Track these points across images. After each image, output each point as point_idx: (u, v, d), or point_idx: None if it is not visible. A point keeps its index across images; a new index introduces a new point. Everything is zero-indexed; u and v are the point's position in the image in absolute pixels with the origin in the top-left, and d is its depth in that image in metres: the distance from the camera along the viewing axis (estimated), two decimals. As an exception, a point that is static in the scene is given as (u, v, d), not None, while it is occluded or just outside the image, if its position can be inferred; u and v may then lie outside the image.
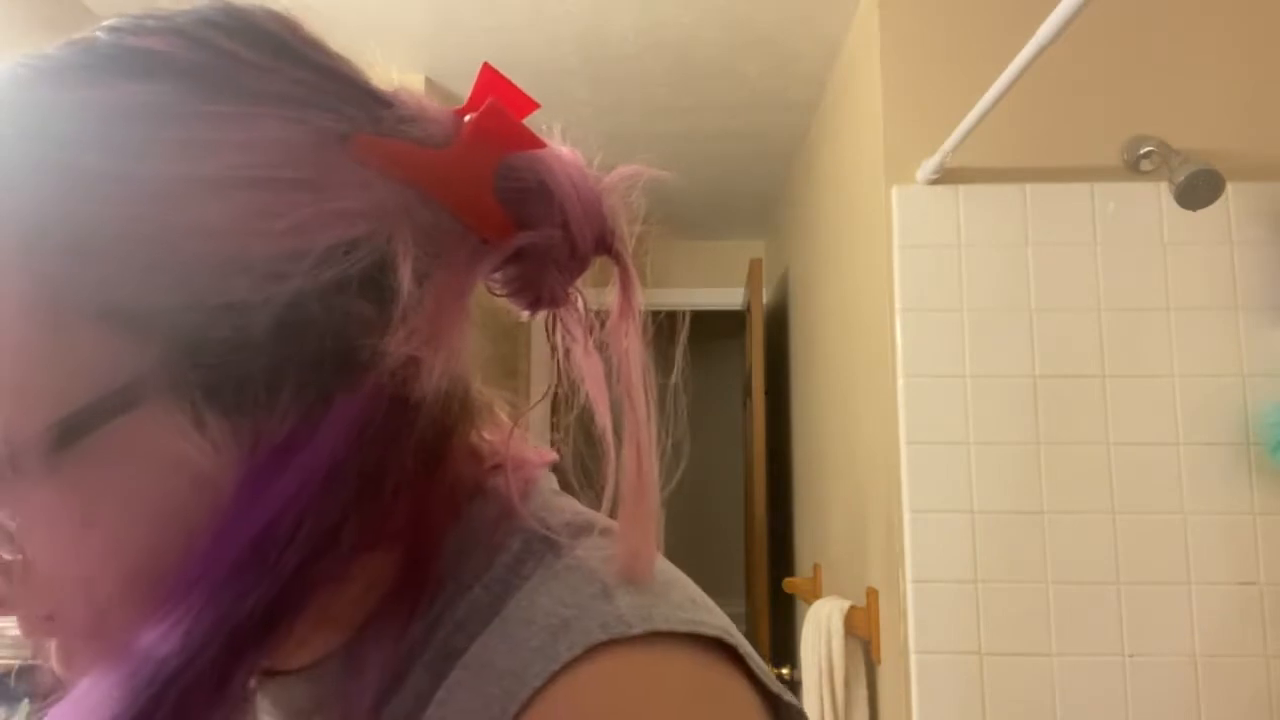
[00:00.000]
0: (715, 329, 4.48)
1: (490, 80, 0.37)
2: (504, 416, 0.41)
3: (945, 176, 1.49)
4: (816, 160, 2.25)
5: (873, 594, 1.61)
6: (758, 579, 2.50)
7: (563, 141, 0.38)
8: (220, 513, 0.30)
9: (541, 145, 0.36)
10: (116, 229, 0.29)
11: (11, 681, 1.32)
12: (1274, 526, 1.39)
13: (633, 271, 0.39)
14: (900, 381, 1.46)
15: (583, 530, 0.36)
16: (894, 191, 1.52)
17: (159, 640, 0.28)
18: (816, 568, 2.20)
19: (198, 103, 0.30)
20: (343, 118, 0.33)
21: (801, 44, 1.92)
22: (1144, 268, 1.46)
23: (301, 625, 0.30)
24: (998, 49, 1.50)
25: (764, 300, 2.74)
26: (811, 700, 1.69)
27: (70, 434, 0.29)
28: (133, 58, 0.31)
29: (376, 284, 0.31)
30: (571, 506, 0.38)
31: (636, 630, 0.30)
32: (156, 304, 0.29)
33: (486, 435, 0.40)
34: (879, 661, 1.59)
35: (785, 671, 2.36)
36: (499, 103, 0.35)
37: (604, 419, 0.37)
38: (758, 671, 0.32)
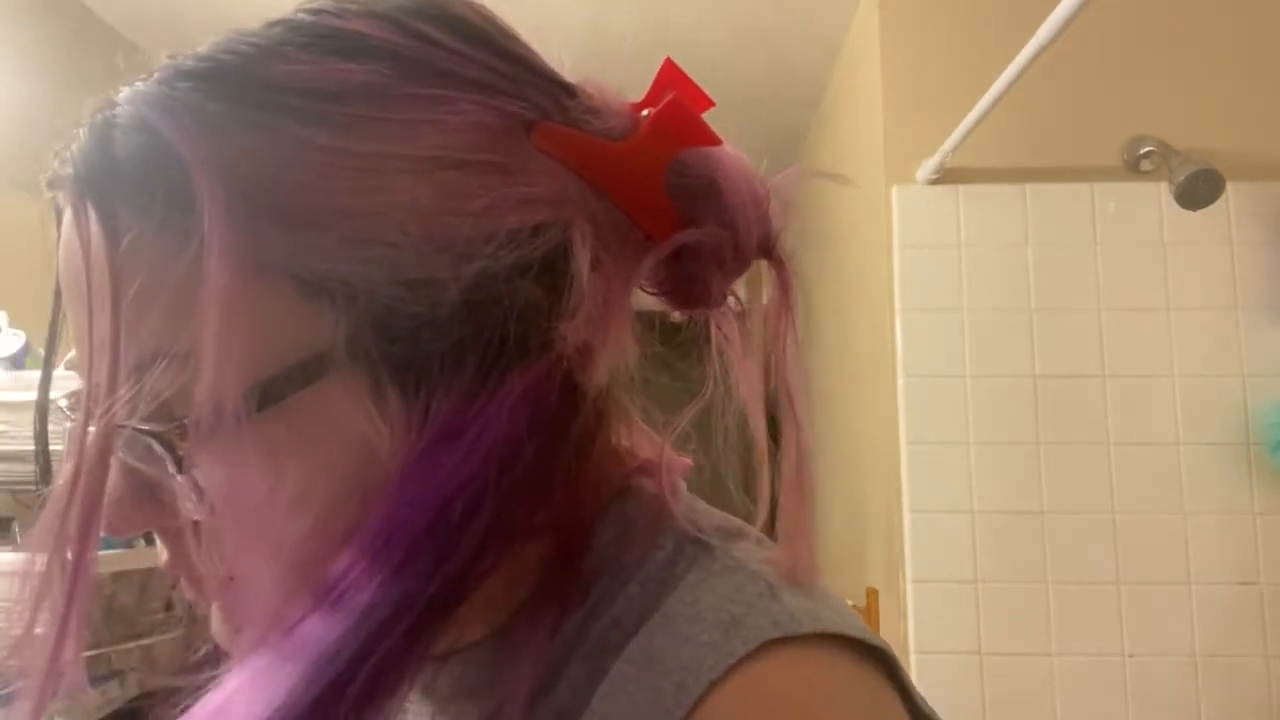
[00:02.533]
0: (715, 329, 4.49)
1: (670, 75, 0.37)
2: (639, 421, 0.42)
3: (945, 176, 1.49)
4: (816, 160, 2.25)
5: (873, 594, 1.61)
6: (758, 579, 2.51)
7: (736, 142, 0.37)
8: (395, 490, 0.30)
9: (718, 142, 0.36)
10: (330, 201, 0.30)
11: None
12: (1274, 526, 1.39)
13: (792, 274, 0.39)
14: (900, 381, 1.46)
15: (734, 535, 0.37)
16: (894, 191, 1.52)
17: (338, 618, 0.29)
18: (816, 567, 2.20)
19: (407, 85, 0.31)
20: (531, 105, 0.34)
21: (801, 43, 1.92)
22: (1144, 268, 1.46)
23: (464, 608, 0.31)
24: (998, 49, 1.49)
25: (764, 300, 2.74)
26: (811, 700, 1.70)
27: (267, 397, 0.29)
28: (344, 39, 0.32)
29: (553, 270, 0.32)
30: (718, 513, 0.39)
31: (807, 629, 0.30)
32: (358, 276, 0.30)
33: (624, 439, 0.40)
34: (879, 661, 1.59)
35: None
36: (680, 98, 0.36)
37: (759, 423, 0.37)
38: (911, 688, 0.32)
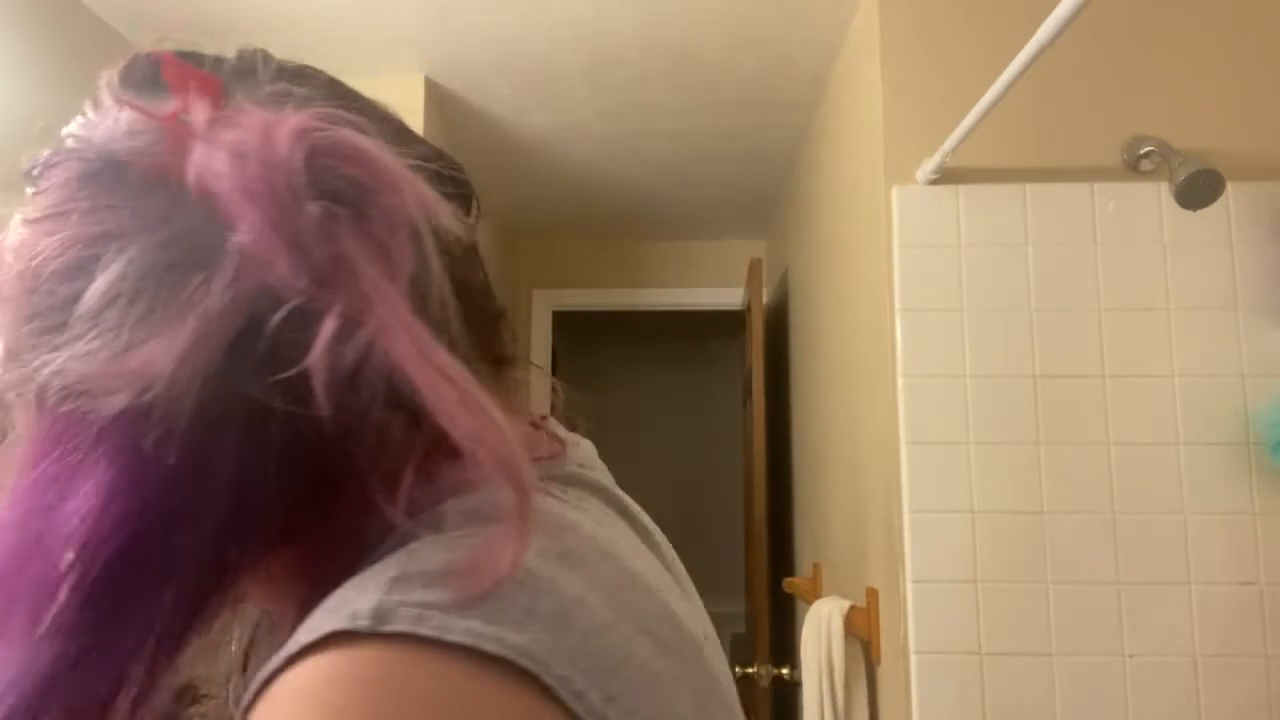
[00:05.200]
0: (715, 329, 4.49)
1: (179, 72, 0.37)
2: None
3: (945, 176, 1.49)
4: (816, 160, 2.25)
5: (873, 594, 1.61)
6: (758, 579, 2.50)
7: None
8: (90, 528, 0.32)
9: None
10: None
11: None
12: (1274, 526, 1.39)
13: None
14: (900, 381, 1.46)
15: (478, 519, 0.34)
16: (894, 191, 1.52)
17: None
18: (816, 568, 2.20)
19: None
20: None
21: (801, 44, 1.92)
22: (1144, 268, 1.46)
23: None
24: (998, 49, 1.50)
25: (764, 300, 2.74)
26: (811, 700, 1.70)
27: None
28: None
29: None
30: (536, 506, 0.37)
31: (379, 628, 0.28)
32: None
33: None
34: (879, 661, 1.59)
35: (785, 671, 2.36)
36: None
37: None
38: (565, 695, 0.28)
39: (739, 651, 4.42)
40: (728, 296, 3.34)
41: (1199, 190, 1.32)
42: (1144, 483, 1.41)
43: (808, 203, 2.40)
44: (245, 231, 0.32)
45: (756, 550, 2.52)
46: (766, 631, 2.47)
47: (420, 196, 0.35)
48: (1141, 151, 1.46)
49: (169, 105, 0.35)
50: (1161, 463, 1.41)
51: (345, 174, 0.33)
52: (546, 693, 0.28)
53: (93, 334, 0.32)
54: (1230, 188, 1.38)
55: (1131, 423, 1.42)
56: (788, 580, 2.38)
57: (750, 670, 2.39)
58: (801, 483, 2.49)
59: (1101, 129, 1.51)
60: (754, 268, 2.65)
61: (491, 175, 2.72)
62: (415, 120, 2.04)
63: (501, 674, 0.28)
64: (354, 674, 0.27)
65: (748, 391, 2.73)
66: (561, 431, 0.47)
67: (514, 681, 0.28)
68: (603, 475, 0.44)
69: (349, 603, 0.29)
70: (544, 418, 0.47)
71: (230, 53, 0.41)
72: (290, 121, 0.33)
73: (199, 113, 0.34)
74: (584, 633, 0.30)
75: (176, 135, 0.34)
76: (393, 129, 0.42)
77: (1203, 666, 1.35)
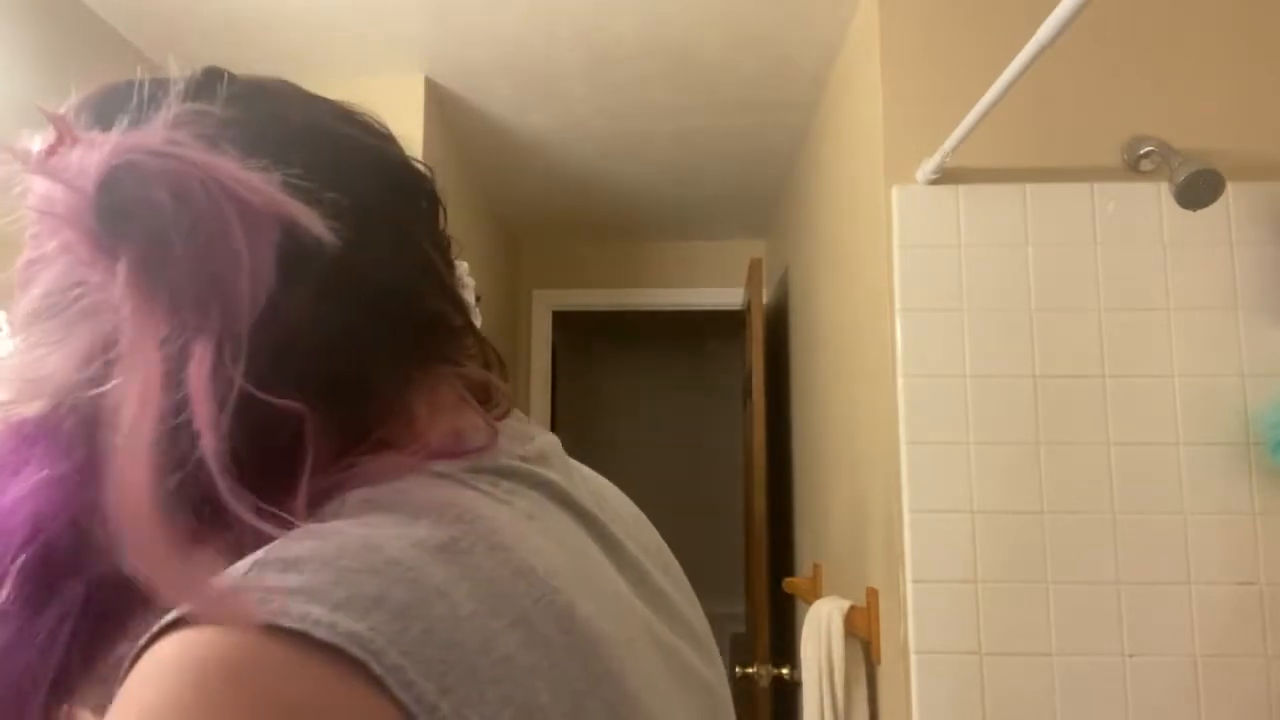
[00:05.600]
0: (715, 329, 4.48)
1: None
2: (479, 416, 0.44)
3: (945, 176, 1.49)
4: (816, 160, 2.25)
5: (873, 594, 1.61)
6: (758, 579, 2.50)
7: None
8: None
9: None
10: None
11: None
12: (1274, 526, 1.39)
13: None
14: (900, 381, 1.46)
15: (376, 508, 0.35)
16: (894, 191, 1.52)
17: None
18: (816, 567, 2.20)
19: None
20: None
21: (801, 44, 1.92)
22: (1144, 268, 1.46)
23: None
24: (998, 49, 1.50)
25: (764, 300, 2.74)
26: (811, 700, 1.70)
27: None
28: None
29: None
30: (403, 489, 0.37)
31: (193, 611, 0.29)
32: None
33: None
34: (879, 661, 1.59)
35: (785, 671, 2.36)
36: None
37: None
38: (393, 685, 0.28)
39: (739, 651, 4.42)
40: (728, 296, 3.34)
41: (1199, 190, 1.32)
42: (1144, 483, 1.41)
43: (808, 203, 2.40)
44: (59, 254, 0.35)
45: (756, 550, 2.52)
46: (766, 631, 2.47)
47: (257, 214, 0.35)
48: (1141, 151, 1.46)
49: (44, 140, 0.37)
50: (1161, 463, 1.41)
51: (151, 198, 0.34)
52: (375, 681, 0.28)
53: (22, 345, 0.35)
54: (1230, 188, 1.38)
55: (1131, 423, 1.42)
56: (788, 580, 2.38)
57: (750, 670, 2.39)
58: (801, 482, 2.49)
59: (1101, 129, 1.51)
60: (754, 268, 2.65)
61: (491, 175, 2.72)
62: (415, 120, 2.04)
63: (331, 660, 0.28)
64: (189, 654, 0.28)
65: (748, 391, 2.73)
66: (526, 426, 0.48)
67: (344, 668, 0.28)
68: (556, 470, 0.45)
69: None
70: (505, 413, 0.48)
71: (183, 68, 0.43)
72: (107, 147, 0.34)
73: (43, 145, 0.36)
74: (433, 623, 0.30)
75: (36, 166, 0.36)
76: (323, 140, 0.43)
77: (1203, 666, 1.35)
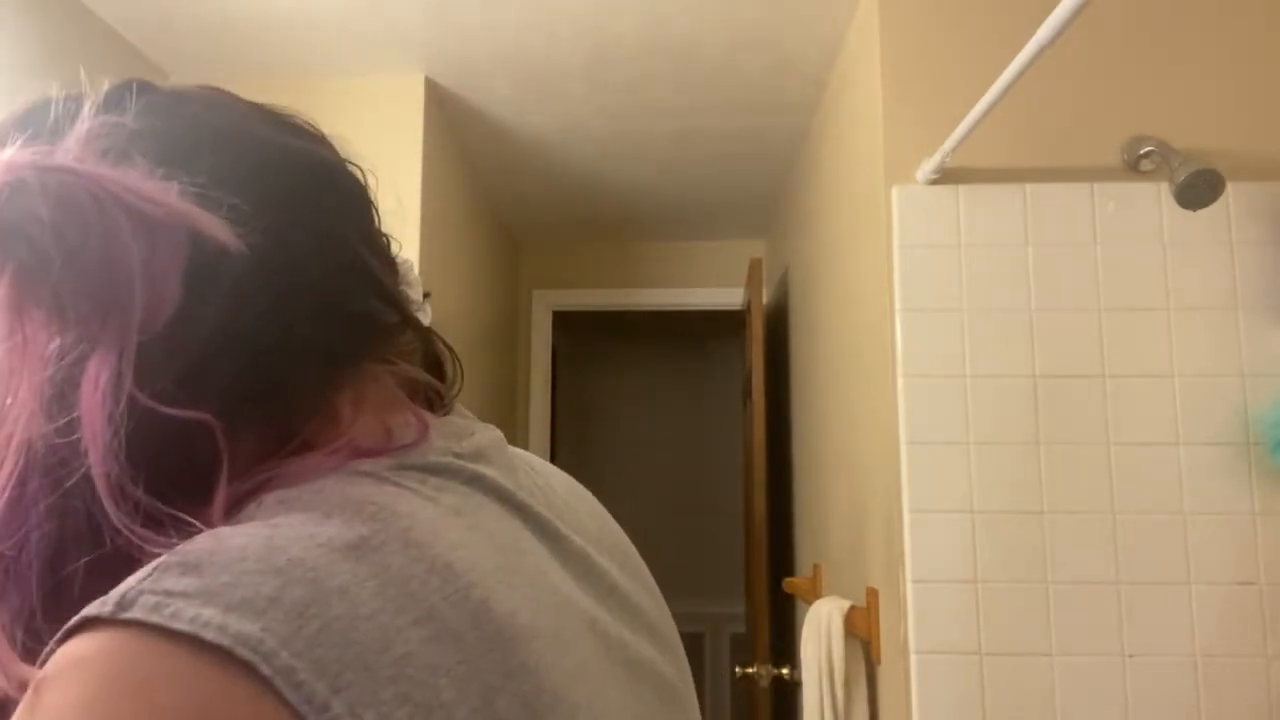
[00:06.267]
0: (715, 329, 4.48)
1: None
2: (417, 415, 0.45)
3: (945, 176, 1.49)
4: (816, 160, 2.25)
5: (873, 594, 1.61)
6: (758, 579, 2.51)
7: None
8: None
9: None
10: None
11: None
12: (1274, 526, 1.39)
13: None
14: (900, 381, 1.46)
15: (290, 508, 0.36)
16: (894, 191, 1.52)
17: None
18: (816, 568, 2.20)
19: None
20: None
21: (801, 44, 1.92)
22: (1144, 268, 1.46)
23: None
24: (998, 49, 1.50)
25: (764, 300, 2.74)
26: (811, 700, 1.70)
27: None
28: None
29: None
30: (359, 494, 0.38)
31: (118, 614, 0.29)
32: None
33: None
34: (879, 661, 1.59)
35: (785, 671, 2.36)
36: None
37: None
38: (281, 685, 0.29)
39: (739, 651, 4.42)
40: (728, 296, 3.34)
41: (1199, 190, 1.32)
42: (1144, 483, 1.41)
43: (808, 203, 2.40)
44: None
45: (756, 550, 2.52)
46: (766, 631, 2.47)
47: (155, 225, 0.36)
48: (1141, 151, 1.46)
49: None
50: (1161, 463, 1.41)
51: (35, 215, 0.34)
52: (265, 682, 0.28)
53: None
54: (1230, 188, 1.38)
55: (1131, 423, 1.42)
56: (788, 580, 2.38)
57: (750, 670, 2.39)
58: (801, 482, 2.49)
59: (1101, 129, 1.51)
60: (754, 268, 2.65)
61: (491, 175, 2.72)
62: (415, 120, 2.04)
63: (221, 662, 0.28)
64: (83, 657, 0.29)
65: (748, 391, 2.73)
66: (467, 422, 0.48)
67: (232, 670, 0.28)
68: (494, 466, 0.45)
69: (117, 589, 0.31)
70: (448, 409, 0.48)
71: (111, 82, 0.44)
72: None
73: None
74: (329, 622, 0.30)
75: None
76: (243, 146, 0.43)
77: (1203, 666, 1.35)
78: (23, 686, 0.31)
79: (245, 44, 1.90)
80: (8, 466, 0.34)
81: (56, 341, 0.36)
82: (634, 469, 4.59)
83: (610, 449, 4.64)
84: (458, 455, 0.43)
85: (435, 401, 0.48)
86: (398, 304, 0.47)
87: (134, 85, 0.43)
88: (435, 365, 0.50)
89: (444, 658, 0.32)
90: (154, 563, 0.31)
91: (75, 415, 0.35)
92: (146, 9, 1.77)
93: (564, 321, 3.82)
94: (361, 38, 1.90)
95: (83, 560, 0.36)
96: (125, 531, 0.34)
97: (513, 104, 2.21)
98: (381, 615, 0.32)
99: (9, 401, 0.34)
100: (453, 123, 2.30)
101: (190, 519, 0.35)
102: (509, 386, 3.25)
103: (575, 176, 2.73)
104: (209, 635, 0.29)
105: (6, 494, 0.34)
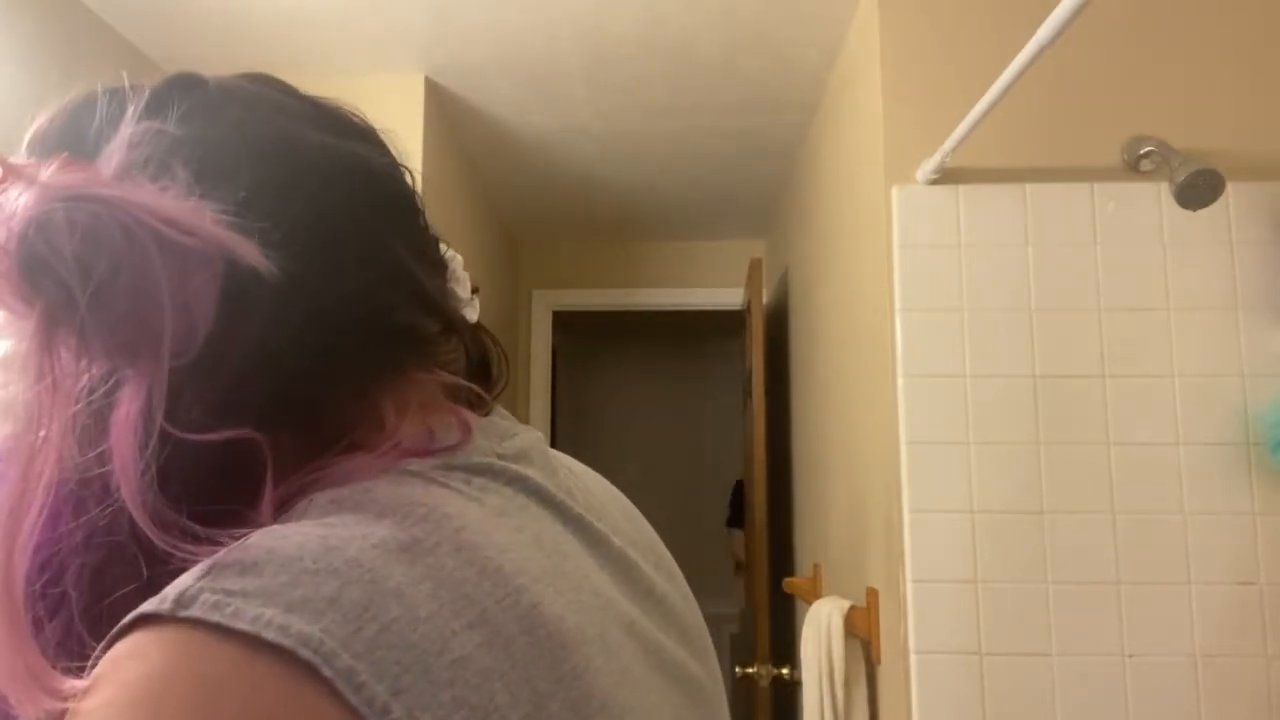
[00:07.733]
0: (715, 329, 4.48)
1: None
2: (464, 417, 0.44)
3: (945, 176, 1.49)
4: (816, 160, 2.25)
5: (873, 594, 1.61)
6: (758, 579, 2.50)
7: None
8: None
9: None
10: None
11: None
12: (1274, 526, 1.39)
13: None
14: (900, 381, 1.46)
15: (343, 508, 0.36)
16: (894, 191, 1.52)
17: None
18: (816, 568, 2.20)
19: None
20: None
21: (801, 44, 1.92)
22: (1144, 268, 1.46)
23: None
24: (998, 49, 1.50)
25: (764, 300, 2.74)
26: (811, 700, 1.70)
27: None
28: None
29: None
30: (374, 490, 0.37)
31: (177, 612, 0.29)
32: None
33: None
34: (879, 661, 1.59)
35: (785, 671, 2.36)
36: None
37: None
38: (343, 687, 0.28)
39: (739, 651, 4.42)
40: (728, 296, 3.34)
41: (1199, 190, 1.32)
42: (1144, 483, 1.41)
43: (808, 203, 2.40)
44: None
45: (757, 550, 2.52)
46: (766, 631, 2.47)
47: (187, 253, 0.36)
48: (1141, 151, 1.46)
49: None
50: (1161, 463, 1.41)
51: (65, 249, 0.34)
52: (326, 683, 0.28)
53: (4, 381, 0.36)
54: (1230, 188, 1.37)
55: (1131, 423, 1.42)
56: (788, 580, 2.38)
57: (750, 670, 2.39)
58: (801, 482, 2.49)
59: (1101, 129, 1.51)
60: (754, 268, 2.65)
61: (491, 175, 2.72)
62: (415, 120, 2.04)
63: (281, 662, 0.28)
64: (141, 655, 0.29)
65: (748, 391, 2.73)
66: (509, 424, 0.48)
67: (294, 671, 0.28)
68: (535, 467, 0.45)
69: (173, 587, 0.30)
70: (488, 410, 0.48)
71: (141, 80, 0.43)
72: (32, 195, 0.34)
73: None
74: (388, 624, 0.30)
75: None
76: (280, 149, 0.42)
77: (1203, 666, 1.35)
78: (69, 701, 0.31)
79: (245, 43, 1.90)
80: (38, 504, 0.33)
81: (86, 376, 0.36)
82: (634, 469, 4.59)
83: (610, 449, 4.64)
84: (500, 456, 0.43)
85: (476, 403, 0.48)
86: (442, 312, 0.46)
87: (180, 83, 0.42)
88: (482, 363, 0.50)
89: (498, 662, 0.32)
90: (209, 560, 0.31)
91: (107, 447, 0.35)
92: (147, 9, 1.77)
93: (564, 321, 3.82)
94: (361, 38, 1.90)
95: (129, 588, 0.36)
96: (172, 552, 0.34)
97: (512, 104, 2.20)
98: (437, 618, 0.31)
99: (41, 437, 0.34)
100: (453, 123, 2.30)
101: (238, 531, 0.35)
102: (509, 386, 3.24)
103: (575, 176, 2.73)
104: (270, 635, 0.28)
105: (39, 531, 0.34)
